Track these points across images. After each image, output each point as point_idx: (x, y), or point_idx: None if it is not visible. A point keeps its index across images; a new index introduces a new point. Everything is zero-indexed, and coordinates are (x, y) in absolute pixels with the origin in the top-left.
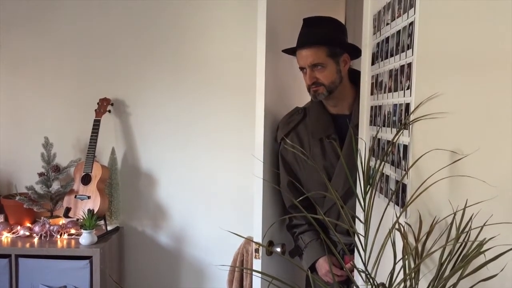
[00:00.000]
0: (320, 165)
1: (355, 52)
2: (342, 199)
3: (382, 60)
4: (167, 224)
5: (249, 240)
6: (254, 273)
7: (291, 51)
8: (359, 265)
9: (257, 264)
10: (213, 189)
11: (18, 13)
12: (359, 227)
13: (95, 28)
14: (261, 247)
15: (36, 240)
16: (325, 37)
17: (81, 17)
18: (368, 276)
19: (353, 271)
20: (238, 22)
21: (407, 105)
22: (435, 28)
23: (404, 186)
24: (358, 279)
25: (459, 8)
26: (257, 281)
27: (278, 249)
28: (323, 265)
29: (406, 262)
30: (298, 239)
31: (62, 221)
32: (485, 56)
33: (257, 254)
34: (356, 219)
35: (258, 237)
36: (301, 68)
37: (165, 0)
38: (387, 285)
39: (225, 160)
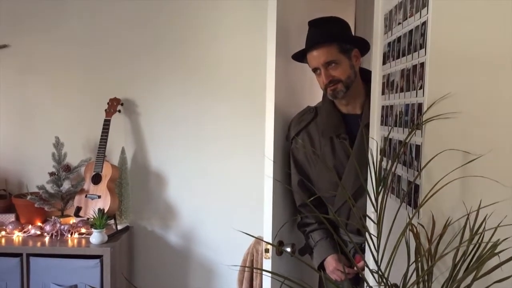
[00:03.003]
0: (330, 164)
1: (364, 48)
2: (352, 199)
3: (393, 60)
4: (176, 223)
5: (259, 240)
6: (264, 273)
7: (300, 57)
8: (371, 265)
9: (267, 264)
10: (222, 189)
11: (29, 13)
12: (370, 227)
13: (106, 29)
14: (271, 247)
15: (47, 239)
16: (333, 34)
17: (92, 17)
18: (382, 276)
19: (363, 270)
20: (249, 24)
21: (420, 105)
22: (448, 27)
23: (417, 187)
24: (369, 279)
25: (473, 7)
26: (267, 281)
27: (288, 249)
28: (331, 262)
29: (419, 263)
30: (309, 237)
31: (72, 220)
32: (499, 55)
33: (267, 254)
34: (367, 219)
35: (268, 237)
36: (314, 70)
37: (177, 1)
38: (400, 286)
39: (235, 160)
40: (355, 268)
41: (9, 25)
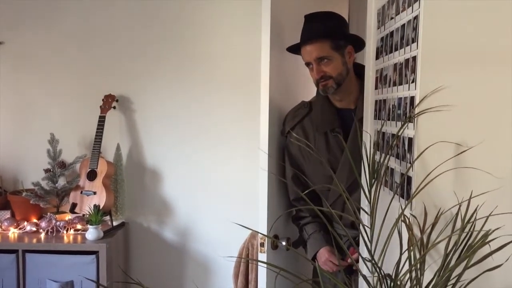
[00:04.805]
0: (324, 159)
1: (359, 45)
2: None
3: (386, 54)
4: (172, 219)
5: (254, 234)
6: (259, 267)
7: (294, 49)
8: (365, 255)
9: (262, 258)
10: (217, 184)
11: (23, 9)
12: (364, 219)
13: (100, 25)
14: (266, 241)
15: (42, 235)
16: (327, 31)
17: (85, 13)
18: (375, 265)
19: (357, 262)
20: (242, 17)
21: (412, 98)
22: (440, 21)
23: (409, 179)
24: (363, 269)
25: (464, 1)
26: (262, 274)
27: (284, 243)
28: (323, 253)
29: (412, 253)
30: (302, 230)
31: (68, 216)
32: (489, 49)
33: (262, 248)
34: (360, 212)
35: (263, 230)
36: (307, 64)
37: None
38: (393, 276)
39: (229, 155)
40: (348, 260)
41: (3, 21)
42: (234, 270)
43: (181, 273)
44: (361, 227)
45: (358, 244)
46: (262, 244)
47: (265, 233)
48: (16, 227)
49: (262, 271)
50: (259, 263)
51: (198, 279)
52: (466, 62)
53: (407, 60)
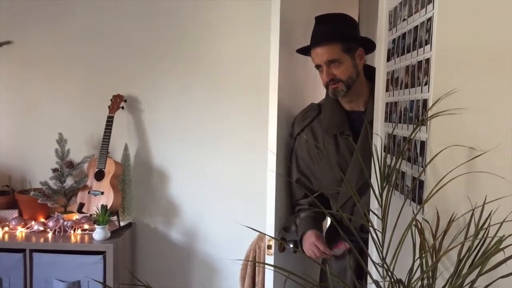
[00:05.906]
0: (334, 161)
1: (369, 46)
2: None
3: (398, 56)
4: (179, 220)
5: (261, 236)
6: (266, 269)
7: (304, 51)
8: (375, 259)
9: (269, 261)
10: (224, 186)
11: (32, 9)
12: (373, 223)
13: (109, 25)
14: (273, 243)
15: (50, 235)
16: (338, 33)
17: (96, 14)
18: (387, 270)
19: (344, 255)
20: (252, 20)
21: (425, 101)
22: (454, 23)
23: (421, 183)
24: (373, 273)
25: (479, 3)
26: (269, 277)
27: (291, 245)
28: (310, 235)
29: (424, 259)
30: (297, 216)
31: (75, 216)
32: (505, 52)
33: (269, 250)
34: (370, 216)
35: (271, 232)
36: (317, 66)
37: None
38: (405, 283)
39: (237, 156)
40: (334, 249)
41: (12, 21)
42: (241, 272)
43: (188, 274)
44: (372, 230)
45: (367, 246)
46: (269, 246)
47: (273, 235)
48: (23, 227)
49: (269, 273)
50: (266, 266)
51: (205, 281)
52: (480, 65)
53: (420, 62)
